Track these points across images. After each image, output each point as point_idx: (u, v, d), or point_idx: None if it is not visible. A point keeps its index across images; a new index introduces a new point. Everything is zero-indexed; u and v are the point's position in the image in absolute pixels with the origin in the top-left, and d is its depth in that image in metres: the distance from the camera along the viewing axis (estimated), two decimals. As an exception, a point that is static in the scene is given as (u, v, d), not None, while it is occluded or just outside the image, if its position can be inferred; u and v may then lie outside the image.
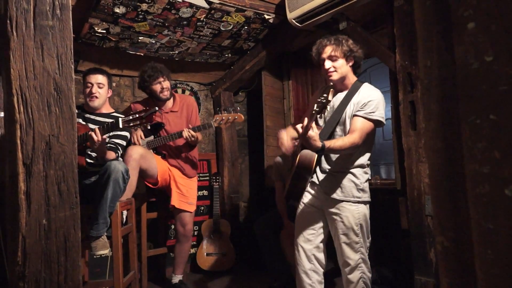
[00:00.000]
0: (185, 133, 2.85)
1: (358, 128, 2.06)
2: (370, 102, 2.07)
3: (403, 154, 2.59)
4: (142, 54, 3.48)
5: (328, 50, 2.13)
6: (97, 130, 2.26)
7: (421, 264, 2.48)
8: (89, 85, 2.56)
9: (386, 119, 2.17)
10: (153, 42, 3.27)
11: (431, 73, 0.78)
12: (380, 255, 3.10)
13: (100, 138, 2.25)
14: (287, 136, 2.20)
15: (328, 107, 2.04)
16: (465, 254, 0.75)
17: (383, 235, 3.07)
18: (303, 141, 1.94)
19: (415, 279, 2.51)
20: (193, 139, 2.86)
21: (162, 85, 2.94)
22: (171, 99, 3.10)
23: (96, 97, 2.56)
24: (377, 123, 2.10)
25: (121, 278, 2.24)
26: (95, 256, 3.10)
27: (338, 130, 2.15)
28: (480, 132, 0.67)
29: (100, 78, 2.58)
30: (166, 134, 3.01)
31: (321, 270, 2.22)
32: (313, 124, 1.95)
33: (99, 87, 2.57)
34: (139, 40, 3.20)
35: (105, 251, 2.22)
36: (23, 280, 1.36)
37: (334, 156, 2.15)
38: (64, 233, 1.43)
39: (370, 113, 2.06)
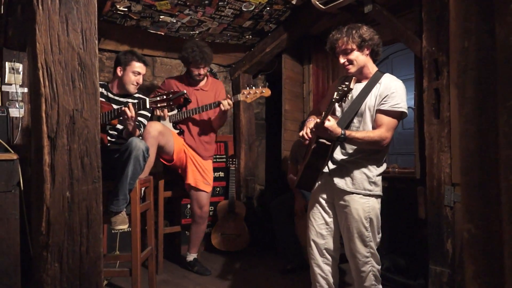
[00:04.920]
0: (225, 102, 2.89)
1: (385, 123, 2.00)
2: (393, 94, 1.99)
3: (424, 143, 2.55)
4: (162, 34, 3.47)
5: (340, 44, 2.05)
6: (131, 106, 2.31)
7: (437, 254, 2.46)
8: (137, 73, 2.61)
9: (407, 108, 2.12)
10: (174, 21, 3.25)
11: (468, 55, 0.75)
12: (395, 243, 3.09)
13: (133, 114, 2.31)
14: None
15: (348, 96, 2.00)
16: (493, 242, 0.74)
17: (399, 224, 3.05)
18: (321, 132, 1.92)
19: (429, 269, 2.49)
20: (229, 107, 2.92)
21: (200, 71, 3.06)
22: (204, 77, 3.20)
23: (138, 86, 2.66)
24: (401, 115, 2.03)
25: (138, 253, 2.28)
26: (113, 231, 3.17)
27: (356, 121, 2.09)
28: (518, 117, 0.64)
29: (145, 70, 2.67)
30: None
31: (333, 261, 2.22)
32: (329, 116, 1.93)
33: (143, 78, 2.68)
34: (160, 19, 3.19)
35: (124, 226, 2.26)
36: (46, 249, 1.40)
37: (348, 147, 2.10)
38: (86, 206, 1.46)
39: (395, 105, 1.99)
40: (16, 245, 1.81)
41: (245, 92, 3.00)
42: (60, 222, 1.41)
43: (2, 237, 1.78)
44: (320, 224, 2.19)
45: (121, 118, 2.38)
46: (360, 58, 2.06)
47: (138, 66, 2.61)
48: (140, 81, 2.65)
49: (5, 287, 1.78)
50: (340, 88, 1.87)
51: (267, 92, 3.00)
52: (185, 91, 2.37)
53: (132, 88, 2.63)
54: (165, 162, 3.08)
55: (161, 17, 3.15)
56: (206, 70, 3.09)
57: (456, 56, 2.25)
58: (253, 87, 3.02)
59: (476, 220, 0.74)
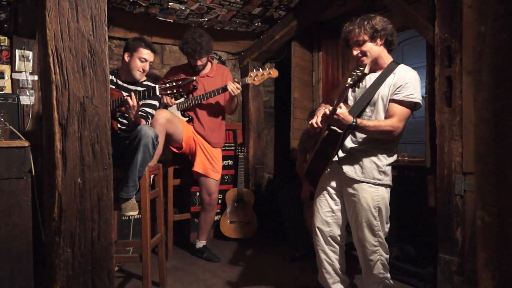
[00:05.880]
0: (230, 86, 2.88)
1: (397, 113, 1.98)
2: (407, 84, 1.97)
3: (435, 131, 2.52)
4: (171, 21, 3.45)
5: (353, 36, 2.03)
6: (133, 95, 2.29)
7: (446, 242, 2.45)
8: (143, 60, 2.58)
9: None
10: (183, 8, 3.23)
11: (484, 40, 0.73)
12: (404, 232, 3.08)
13: (135, 103, 2.29)
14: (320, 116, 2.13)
15: (360, 85, 1.97)
16: (507, 229, 0.73)
17: (408, 212, 3.04)
18: (332, 120, 1.91)
19: (438, 257, 2.49)
20: (238, 91, 2.91)
21: (197, 62, 3.04)
22: (208, 64, 3.17)
23: (144, 74, 2.64)
24: (415, 105, 2.01)
25: (148, 239, 2.30)
26: (123, 218, 3.21)
27: (368, 110, 2.07)
28: (536, 103, 0.63)
29: (153, 57, 2.63)
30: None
31: (339, 249, 2.23)
32: (341, 104, 1.91)
33: (149, 65, 2.64)
34: (169, 6, 3.17)
35: (134, 213, 2.28)
36: (58, 235, 1.42)
37: (359, 136, 2.09)
38: (97, 193, 1.47)
39: (409, 95, 1.97)
40: (28, 231, 1.84)
41: (252, 75, 2.97)
42: (72, 208, 1.43)
43: (15, 223, 1.81)
44: (326, 211, 2.20)
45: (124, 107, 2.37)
46: (374, 49, 2.03)
47: (145, 53, 2.58)
48: (147, 68, 2.62)
49: (18, 271, 1.81)
50: (354, 73, 1.85)
51: (274, 73, 2.96)
52: (194, 78, 2.37)
53: (138, 75, 2.60)
54: (175, 150, 3.09)
55: (169, 4, 3.13)
56: (204, 60, 3.06)
57: (471, 42, 2.21)
58: (260, 69, 2.98)
59: (489, 207, 0.74)
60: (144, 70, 2.61)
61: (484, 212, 0.75)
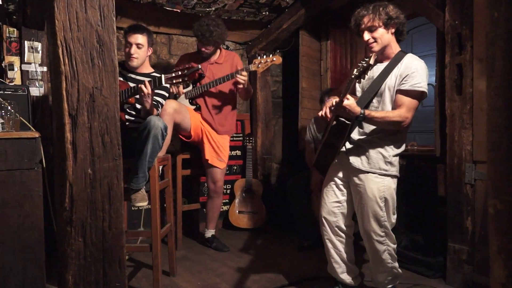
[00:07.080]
0: (238, 75, 2.88)
1: (405, 103, 1.96)
2: (413, 73, 1.96)
3: (445, 120, 2.49)
4: (178, 11, 3.43)
5: (366, 21, 2.01)
6: (147, 83, 2.29)
7: (456, 231, 2.44)
8: (128, 45, 2.55)
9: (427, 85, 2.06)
10: (190, -3, 3.22)
11: (497, 25, 0.72)
12: (413, 221, 3.07)
13: (149, 91, 2.29)
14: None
15: (367, 75, 1.95)
16: (520, 218, 0.72)
17: (417, 201, 3.03)
18: (340, 111, 1.90)
19: (448, 246, 2.48)
20: (244, 79, 2.89)
21: (202, 48, 3.04)
22: (217, 51, 3.16)
23: (135, 58, 2.56)
24: (422, 95, 1.99)
25: (158, 229, 2.32)
26: (133, 208, 3.24)
27: (375, 101, 2.06)
28: (551, 89, 0.62)
29: (139, 38, 2.53)
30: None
31: (346, 238, 2.23)
32: (348, 95, 1.90)
33: (138, 48, 2.54)
34: (176, -4, 3.16)
35: (144, 203, 2.30)
36: (70, 224, 1.44)
37: (366, 128, 2.08)
38: (108, 183, 1.49)
39: (415, 84, 1.95)
40: (40, 221, 1.86)
41: (256, 62, 2.96)
42: (83, 198, 1.45)
43: (27, 213, 1.83)
44: (332, 202, 2.21)
45: (138, 96, 2.36)
46: (385, 37, 2.02)
47: (128, 37, 2.53)
48: (133, 52, 2.52)
49: (30, 261, 1.84)
50: (359, 64, 1.84)
51: (278, 59, 2.95)
52: (199, 66, 2.37)
53: (130, 62, 2.56)
54: (184, 139, 3.11)
55: (176, -7, 3.12)
56: (210, 49, 3.05)
57: (483, 28, 2.17)
58: (264, 56, 2.96)
59: (502, 195, 0.73)
60: (130, 54, 2.53)
61: (496, 200, 0.74)
